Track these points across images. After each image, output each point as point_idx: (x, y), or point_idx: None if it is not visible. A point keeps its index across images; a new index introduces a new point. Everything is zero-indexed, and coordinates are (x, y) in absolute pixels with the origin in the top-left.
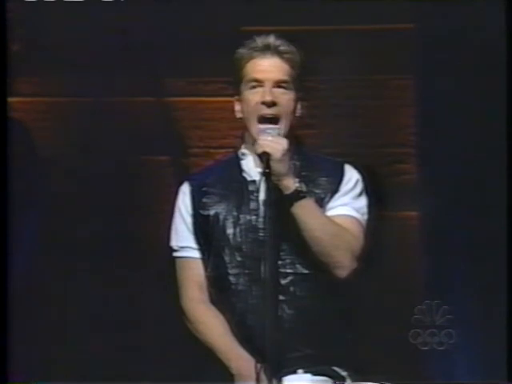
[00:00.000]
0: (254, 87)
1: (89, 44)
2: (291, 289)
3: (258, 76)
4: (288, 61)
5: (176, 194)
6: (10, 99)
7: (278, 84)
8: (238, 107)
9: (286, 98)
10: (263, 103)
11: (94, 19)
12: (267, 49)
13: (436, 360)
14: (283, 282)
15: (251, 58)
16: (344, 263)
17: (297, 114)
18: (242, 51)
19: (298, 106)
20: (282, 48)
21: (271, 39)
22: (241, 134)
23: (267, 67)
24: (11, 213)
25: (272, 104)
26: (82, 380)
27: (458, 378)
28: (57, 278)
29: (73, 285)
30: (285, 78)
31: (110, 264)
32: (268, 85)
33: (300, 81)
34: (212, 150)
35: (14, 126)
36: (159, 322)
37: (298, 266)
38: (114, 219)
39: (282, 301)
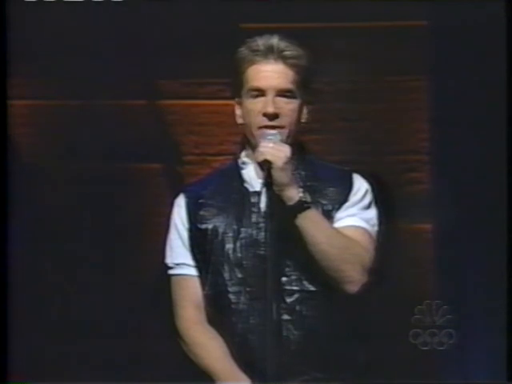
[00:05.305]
0: (255, 96)
1: (86, 45)
2: (297, 307)
3: (260, 84)
4: (293, 66)
5: (170, 205)
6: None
7: (282, 93)
8: (238, 111)
9: (290, 107)
10: (265, 115)
11: (94, 20)
12: (270, 52)
13: (436, 360)
14: (288, 300)
15: (253, 62)
16: (354, 277)
17: (302, 121)
18: (242, 52)
19: (304, 112)
20: (286, 52)
21: (274, 41)
22: (240, 140)
23: (270, 74)
24: (10, 212)
25: (275, 116)
26: (81, 380)
27: (458, 378)
28: (56, 278)
29: (72, 285)
30: (289, 86)
31: (108, 269)
32: (270, 94)
33: (305, 85)
34: (209, 158)
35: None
36: (158, 325)
37: (304, 282)
38: (101, 233)
39: (287, 321)
